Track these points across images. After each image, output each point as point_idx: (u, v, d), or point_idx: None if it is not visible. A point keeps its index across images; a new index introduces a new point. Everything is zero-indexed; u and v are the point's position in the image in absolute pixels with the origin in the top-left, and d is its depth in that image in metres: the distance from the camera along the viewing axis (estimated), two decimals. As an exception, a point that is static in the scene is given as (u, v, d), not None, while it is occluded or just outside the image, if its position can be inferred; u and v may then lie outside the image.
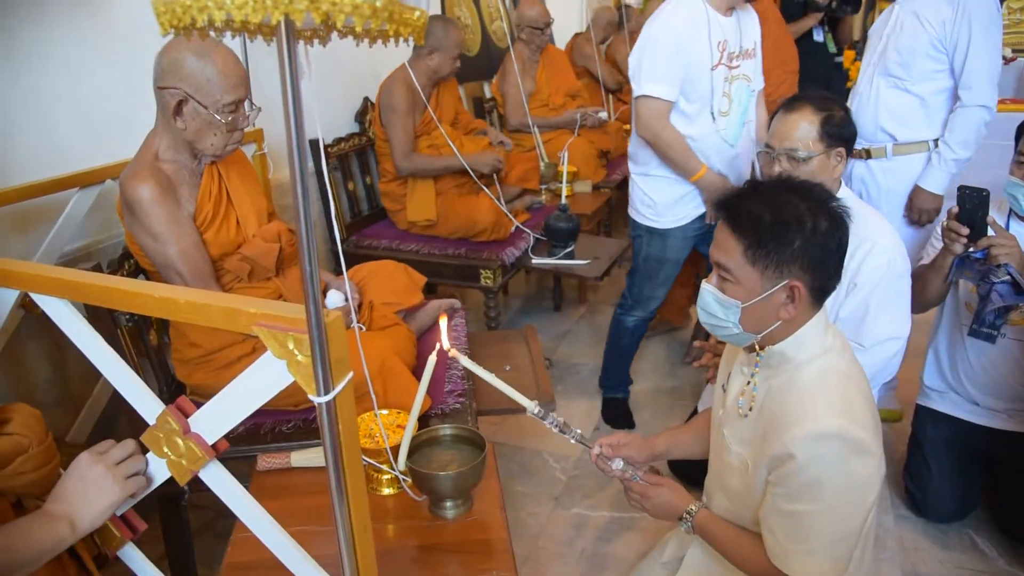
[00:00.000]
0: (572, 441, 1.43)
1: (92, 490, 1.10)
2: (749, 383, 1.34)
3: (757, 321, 1.28)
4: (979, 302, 1.95)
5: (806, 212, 1.22)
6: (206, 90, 1.66)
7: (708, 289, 1.31)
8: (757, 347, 1.32)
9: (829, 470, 1.17)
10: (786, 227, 1.21)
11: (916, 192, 2.53)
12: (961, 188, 1.87)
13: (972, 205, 1.86)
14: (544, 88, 4.10)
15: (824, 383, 1.24)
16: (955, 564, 2.10)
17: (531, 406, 1.38)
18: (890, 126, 2.54)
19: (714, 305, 1.30)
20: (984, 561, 2.11)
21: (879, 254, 1.84)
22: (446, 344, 1.39)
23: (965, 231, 1.86)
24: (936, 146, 2.49)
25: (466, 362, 1.38)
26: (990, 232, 1.86)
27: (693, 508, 1.42)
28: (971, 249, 1.89)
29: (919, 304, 2.16)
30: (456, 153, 2.94)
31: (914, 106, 2.50)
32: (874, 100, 2.57)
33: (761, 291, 1.24)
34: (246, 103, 1.77)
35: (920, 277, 2.10)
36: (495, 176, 3.09)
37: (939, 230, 2.09)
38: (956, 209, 1.88)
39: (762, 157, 1.92)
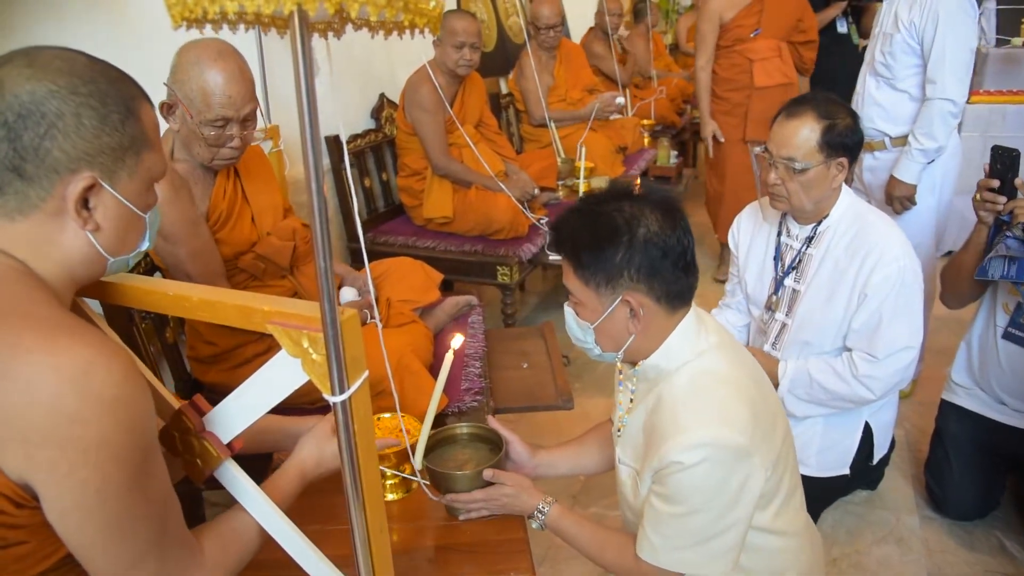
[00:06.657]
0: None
1: None
2: (632, 400, 1.34)
3: (612, 340, 1.26)
4: (987, 250, 1.93)
5: (623, 224, 1.18)
6: (191, 99, 1.62)
7: (567, 311, 1.30)
8: (624, 363, 1.31)
9: (701, 477, 1.15)
10: (600, 245, 1.18)
11: (890, 181, 2.61)
12: (994, 148, 1.88)
13: (1003, 166, 1.86)
14: (562, 83, 4.06)
15: (694, 390, 1.21)
16: (983, 567, 2.05)
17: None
18: (883, 124, 2.62)
19: (574, 327, 1.30)
20: (1012, 564, 2.06)
21: (889, 263, 1.80)
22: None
23: (1003, 199, 1.85)
24: None
25: None
26: (1020, 195, 1.86)
27: (544, 506, 1.40)
28: (999, 212, 1.89)
29: (955, 297, 2.12)
30: (491, 175, 2.93)
31: (902, 101, 2.58)
32: (868, 99, 2.66)
33: (603, 310, 1.23)
34: (257, 112, 1.72)
35: (951, 265, 2.07)
36: (525, 203, 3.06)
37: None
38: (990, 181, 1.87)
39: (760, 159, 1.87)
